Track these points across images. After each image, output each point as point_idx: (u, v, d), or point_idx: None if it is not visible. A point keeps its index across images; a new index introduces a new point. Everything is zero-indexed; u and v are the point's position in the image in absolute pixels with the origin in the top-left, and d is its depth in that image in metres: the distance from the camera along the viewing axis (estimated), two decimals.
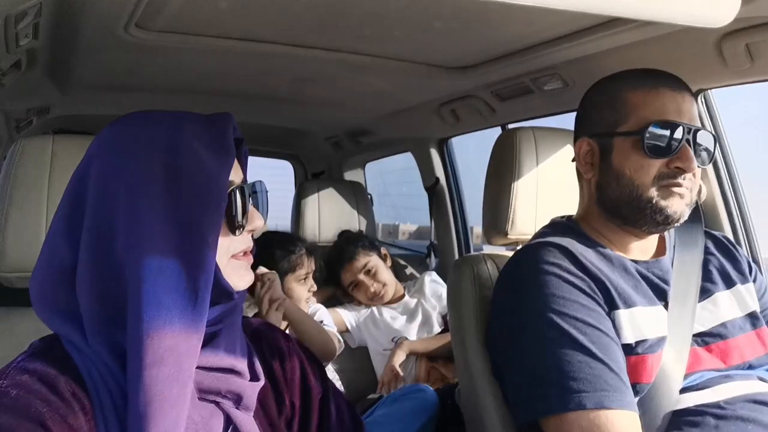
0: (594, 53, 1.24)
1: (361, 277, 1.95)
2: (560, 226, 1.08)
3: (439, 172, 2.26)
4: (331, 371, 1.85)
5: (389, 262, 2.06)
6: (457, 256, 2.25)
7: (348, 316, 1.94)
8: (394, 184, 3.28)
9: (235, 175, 0.70)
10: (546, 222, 1.13)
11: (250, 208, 0.71)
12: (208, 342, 0.66)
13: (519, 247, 1.09)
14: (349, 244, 2.03)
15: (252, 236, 0.73)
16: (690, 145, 0.95)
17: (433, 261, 2.37)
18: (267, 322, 0.86)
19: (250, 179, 0.75)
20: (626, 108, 0.98)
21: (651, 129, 0.94)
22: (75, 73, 1.50)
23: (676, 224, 0.98)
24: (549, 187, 1.20)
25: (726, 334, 0.98)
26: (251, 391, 0.71)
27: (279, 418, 0.76)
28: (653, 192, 0.95)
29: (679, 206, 0.96)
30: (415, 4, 1.07)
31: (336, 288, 2.04)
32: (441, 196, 2.28)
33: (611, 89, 1.01)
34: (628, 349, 0.92)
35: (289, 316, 1.52)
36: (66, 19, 1.10)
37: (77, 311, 0.64)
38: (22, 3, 0.93)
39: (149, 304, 0.61)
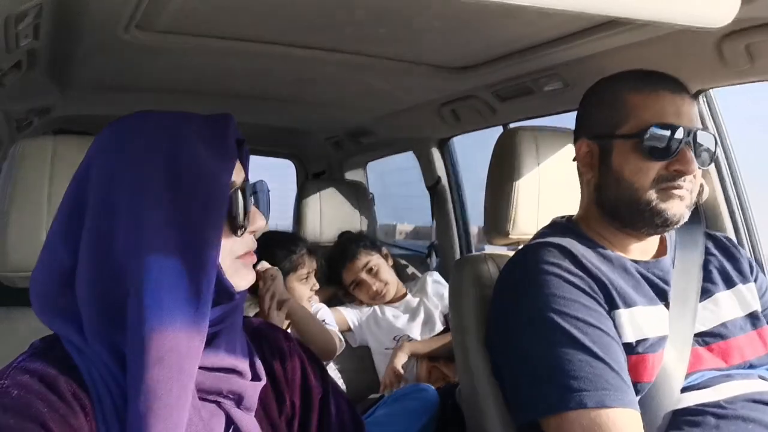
0: (594, 53, 1.24)
1: (363, 276, 1.95)
2: (560, 226, 1.08)
3: (441, 171, 2.27)
4: (332, 370, 1.86)
5: (390, 262, 2.07)
6: (458, 256, 2.25)
7: (350, 314, 1.95)
8: (392, 185, 3.29)
9: (237, 176, 0.70)
10: (547, 222, 1.13)
11: (252, 208, 0.71)
12: (209, 342, 0.66)
13: (520, 247, 1.09)
14: (350, 243, 2.03)
15: (254, 236, 0.73)
16: (690, 147, 0.95)
17: (434, 261, 2.37)
18: (267, 322, 0.86)
19: (251, 179, 0.75)
20: (626, 110, 0.97)
21: (650, 131, 0.94)
22: (75, 74, 1.50)
23: (675, 226, 0.98)
24: (550, 187, 1.20)
25: (727, 334, 0.98)
26: (252, 391, 0.71)
27: (279, 418, 0.76)
28: (652, 194, 0.95)
29: (678, 208, 0.96)
30: (416, 5, 1.07)
31: (337, 288, 2.04)
32: (442, 196, 2.28)
33: (611, 91, 1.01)
34: (629, 349, 0.92)
35: (292, 314, 1.53)
36: (66, 19, 1.10)
37: (77, 312, 0.64)
38: (22, 3, 0.94)
39: (150, 305, 0.61)
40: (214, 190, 0.66)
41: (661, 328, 0.95)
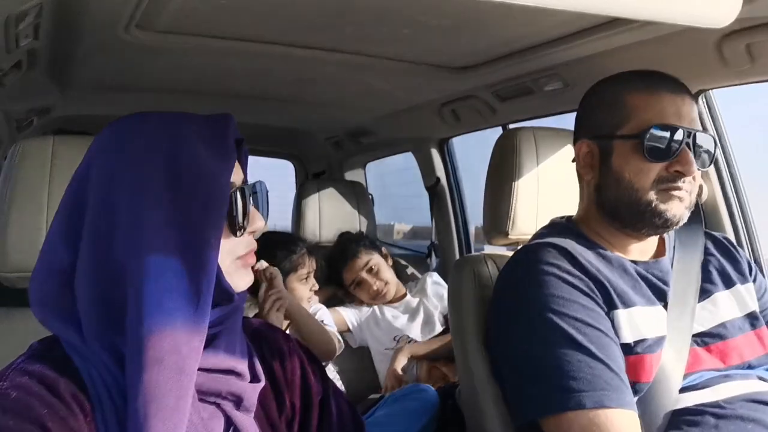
0: (594, 53, 1.24)
1: (364, 275, 1.95)
2: (559, 226, 1.08)
3: (440, 172, 2.27)
4: (331, 371, 1.86)
5: (390, 262, 2.07)
6: (457, 256, 2.26)
7: (349, 315, 1.95)
8: (390, 185, 3.29)
9: (236, 176, 0.70)
10: (546, 222, 1.13)
11: (251, 208, 0.71)
12: (209, 343, 0.66)
13: (519, 248, 1.09)
14: (351, 242, 2.04)
15: (254, 236, 0.73)
16: (690, 148, 0.95)
17: (433, 261, 2.37)
18: (267, 323, 0.86)
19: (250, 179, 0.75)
20: (626, 111, 0.97)
21: (651, 132, 0.94)
22: (75, 74, 1.50)
23: (675, 227, 0.98)
24: (549, 187, 1.20)
25: (725, 335, 0.99)
26: (251, 392, 0.71)
27: (279, 419, 0.76)
28: (652, 195, 0.95)
29: (678, 209, 0.96)
30: (416, 5, 1.07)
31: (337, 288, 2.04)
32: (442, 196, 2.28)
33: (611, 92, 1.01)
34: (627, 349, 0.92)
35: (291, 314, 1.53)
36: (67, 19, 1.10)
37: (76, 313, 0.64)
38: (22, 3, 0.94)
39: (150, 306, 0.61)
40: (213, 190, 0.66)
41: (660, 328, 0.95)
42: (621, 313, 0.94)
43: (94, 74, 1.52)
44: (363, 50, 1.36)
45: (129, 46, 1.24)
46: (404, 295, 2.00)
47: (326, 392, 0.82)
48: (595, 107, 1.04)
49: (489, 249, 1.44)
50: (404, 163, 2.42)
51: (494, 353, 1.03)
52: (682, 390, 0.92)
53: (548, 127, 1.27)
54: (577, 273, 0.95)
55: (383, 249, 2.09)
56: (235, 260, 0.69)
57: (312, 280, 1.78)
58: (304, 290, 1.75)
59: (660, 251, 1.06)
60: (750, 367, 0.98)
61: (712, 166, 1.29)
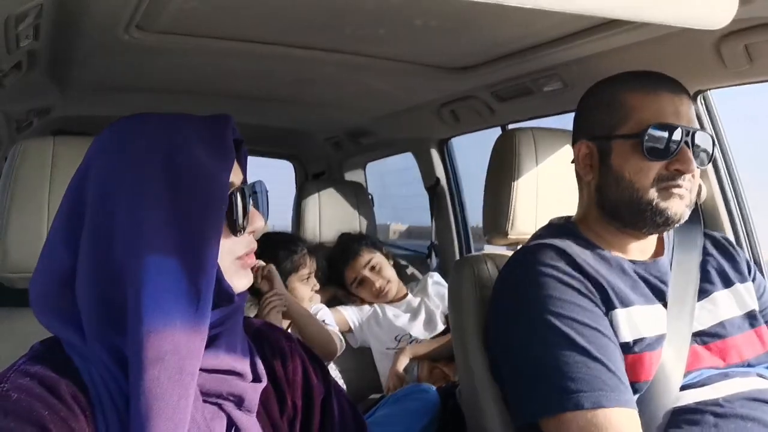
0: (593, 54, 1.24)
1: (366, 273, 1.95)
2: (557, 227, 1.08)
3: (440, 172, 2.27)
4: (332, 371, 1.86)
5: (391, 261, 2.07)
6: (457, 257, 2.26)
7: (351, 315, 1.95)
8: (388, 185, 3.30)
9: (235, 176, 0.70)
10: (545, 222, 1.13)
11: (251, 209, 0.71)
12: (210, 344, 0.66)
13: (519, 247, 1.10)
14: (353, 241, 2.04)
15: (253, 236, 0.74)
16: (689, 147, 0.95)
17: (434, 261, 2.37)
18: (268, 323, 0.86)
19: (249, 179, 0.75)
20: (624, 111, 0.98)
21: (650, 131, 0.95)
22: (75, 75, 1.50)
23: (676, 225, 0.99)
24: (549, 187, 1.20)
25: (725, 334, 0.99)
26: (253, 392, 0.71)
27: (281, 419, 0.76)
28: (653, 194, 0.96)
29: (679, 207, 0.97)
30: (415, 6, 1.08)
31: (337, 288, 2.04)
32: (441, 197, 2.28)
33: (609, 92, 1.02)
34: (626, 348, 0.92)
35: (291, 314, 1.53)
36: (67, 20, 1.10)
37: (77, 314, 0.64)
38: (22, 4, 0.94)
39: (149, 306, 0.61)
40: (212, 190, 0.66)
41: (659, 327, 0.95)
42: (619, 313, 0.94)
43: (94, 75, 1.53)
44: (362, 51, 1.36)
45: (129, 47, 1.24)
46: (405, 295, 2.01)
47: (328, 392, 0.82)
48: (594, 108, 1.04)
49: (488, 249, 1.45)
50: (402, 163, 2.43)
51: (493, 353, 1.04)
52: (682, 388, 0.92)
53: (547, 128, 1.28)
54: (576, 274, 0.95)
55: (384, 249, 2.09)
56: (234, 260, 0.69)
57: (313, 280, 1.79)
58: (306, 290, 1.75)
59: (659, 251, 1.06)
60: (749, 365, 0.98)
61: (711, 166, 1.30)
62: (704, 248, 1.08)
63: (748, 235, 1.34)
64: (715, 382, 0.93)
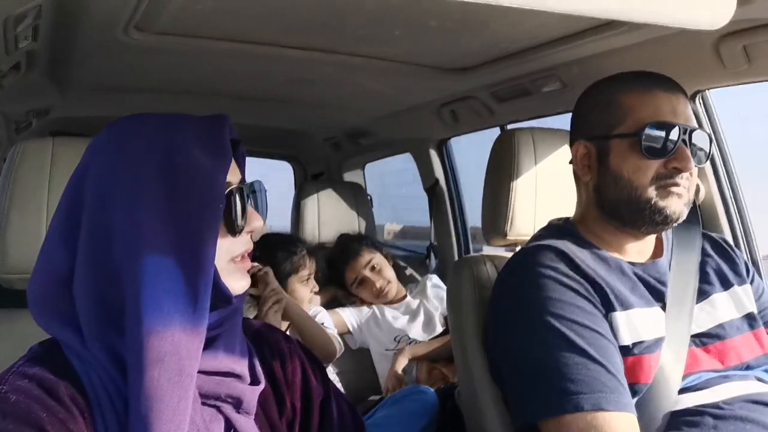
0: (592, 55, 1.24)
1: (366, 273, 1.95)
2: (557, 228, 1.08)
3: (439, 173, 2.27)
4: (331, 373, 1.86)
5: (390, 262, 2.07)
6: (456, 257, 2.26)
7: (349, 316, 1.95)
8: (385, 186, 3.31)
9: (233, 176, 0.70)
10: (544, 223, 1.13)
11: (249, 208, 0.71)
12: (208, 346, 0.66)
13: (518, 248, 1.10)
14: (353, 242, 2.04)
15: (251, 237, 0.73)
16: (686, 145, 0.95)
17: (432, 262, 2.37)
18: (268, 324, 0.86)
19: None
20: (622, 110, 0.98)
21: (647, 130, 0.95)
22: (74, 75, 1.50)
23: (674, 224, 0.99)
24: (548, 188, 1.20)
25: (723, 335, 0.99)
26: (251, 394, 0.71)
27: (280, 421, 0.76)
28: (652, 192, 0.96)
29: (677, 206, 0.97)
30: (414, 6, 1.08)
31: (337, 289, 2.04)
32: (440, 197, 2.28)
33: (606, 92, 1.02)
34: (625, 351, 0.92)
35: (290, 316, 1.53)
36: (65, 21, 1.10)
37: (75, 315, 0.64)
38: (21, 5, 0.94)
39: (148, 307, 0.61)
40: (209, 189, 0.66)
41: (658, 329, 0.95)
42: (619, 316, 0.94)
43: (93, 76, 1.53)
44: (361, 51, 1.36)
45: (128, 48, 1.24)
46: (404, 297, 2.01)
47: (327, 393, 0.82)
48: (591, 109, 1.04)
49: (487, 250, 1.45)
50: (397, 164, 2.43)
51: (493, 354, 1.04)
52: (681, 391, 0.92)
53: (546, 128, 1.28)
54: (575, 276, 0.95)
55: (383, 249, 2.09)
56: (232, 261, 0.69)
57: (312, 282, 1.79)
58: (305, 291, 1.75)
59: (657, 252, 1.06)
60: (748, 367, 0.98)
61: (709, 166, 1.30)
62: (703, 249, 1.08)
63: (746, 235, 1.34)
64: (714, 384, 0.93)
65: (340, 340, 1.75)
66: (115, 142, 0.67)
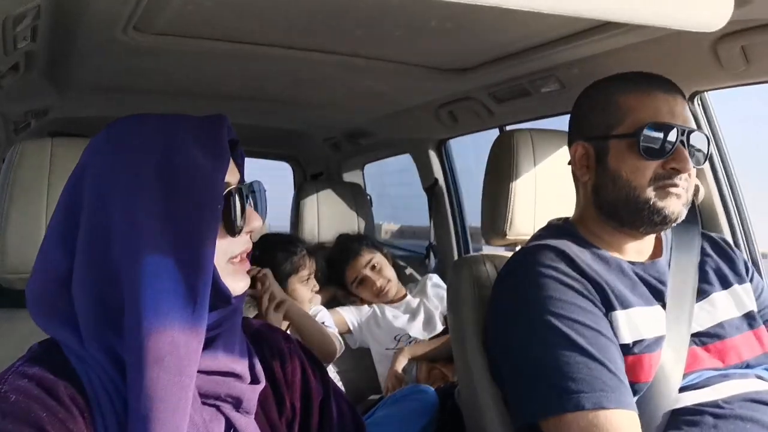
0: (591, 55, 1.24)
1: (367, 272, 1.95)
2: (556, 228, 1.09)
3: (438, 173, 2.27)
4: (331, 372, 1.86)
5: (390, 262, 2.07)
6: (456, 257, 2.26)
7: (350, 315, 1.95)
8: (383, 186, 3.32)
9: (231, 176, 0.70)
10: (544, 223, 1.13)
11: (248, 208, 0.71)
12: (207, 345, 0.66)
13: (518, 248, 1.10)
14: (353, 241, 2.05)
15: (251, 237, 0.73)
16: (684, 146, 0.96)
17: (432, 262, 2.37)
18: (268, 324, 0.86)
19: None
20: (620, 111, 0.98)
21: (646, 131, 0.95)
22: (73, 76, 1.50)
23: (673, 224, 0.99)
24: (547, 188, 1.21)
25: (723, 334, 0.99)
26: (251, 394, 0.71)
27: (280, 420, 0.76)
28: (650, 193, 0.96)
29: (676, 206, 0.97)
30: (413, 7, 1.08)
31: (336, 289, 2.04)
32: (440, 198, 2.28)
33: (604, 93, 1.02)
34: (626, 349, 0.92)
35: (290, 315, 1.53)
36: (64, 21, 1.10)
37: (74, 315, 0.64)
38: (20, 5, 0.94)
39: (147, 308, 0.61)
40: (207, 190, 0.66)
41: (658, 328, 0.95)
42: (619, 315, 0.94)
43: (92, 76, 1.53)
44: (360, 52, 1.36)
45: (127, 48, 1.24)
46: (404, 296, 2.01)
47: (327, 393, 0.82)
48: (589, 109, 1.04)
49: (486, 250, 1.45)
50: (400, 164, 2.43)
51: (493, 354, 1.04)
52: (681, 389, 0.92)
53: (545, 129, 1.28)
54: (575, 275, 0.95)
55: (383, 249, 2.10)
56: (231, 261, 0.69)
57: (313, 281, 1.79)
58: (306, 291, 1.75)
59: (657, 252, 1.06)
60: (748, 366, 0.98)
61: (708, 166, 1.30)
62: (702, 249, 1.08)
63: (745, 235, 1.34)
64: (714, 383, 0.93)
65: (340, 339, 1.75)
66: (113, 143, 0.67)
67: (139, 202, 0.63)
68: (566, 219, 1.11)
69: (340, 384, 1.85)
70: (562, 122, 1.42)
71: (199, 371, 0.64)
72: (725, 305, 1.03)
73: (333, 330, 1.75)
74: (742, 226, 1.35)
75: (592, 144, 1.02)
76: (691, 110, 1.23)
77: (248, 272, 0.73)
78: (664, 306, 0.98)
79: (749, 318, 1.03)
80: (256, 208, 0.73)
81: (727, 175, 1.35)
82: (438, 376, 1.79)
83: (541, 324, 0.91)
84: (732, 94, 1.27)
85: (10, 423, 0.57)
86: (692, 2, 0.77)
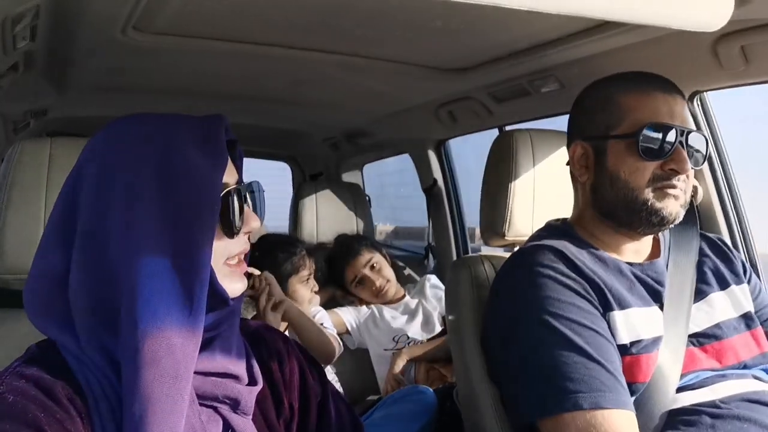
0: (590, 55, 1.24)
1: (366, 272, 1.96)
2: (555, 228, 1.09)
3: (437, 173, 2.27)
4: (329, 373, 1.86)
5: (389, 262, 2.07)
6: (454, 258, 2.26)
7: (348, 316, 1.95)
8: (385, 186, 3.32)
9: (230, 177, 0.70)
10: (542, 223, 1.13)
11: (246, 209, 0.71)
12: (205, 347, 0.66)
13: (516, 249, 1.10)
14: (352, 241, 2.05)
15: (249, 238, 0.73)
16: (683, 147, 0.96)
17: (431, 262, 2.37)
18: (266, 324, 0.86)
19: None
20: (619, 111, 0.98)
21: (645, 132, 0.95)
22: (72, 76, 1.50)
23: (671, 225, 0.99)
24: (546, 189, 1.21)
25: (721, 335, 0.99)
26: (249, 395, 0.71)
27: (278, 421, 0.76)
28: (648, 194, 0.96)
29: (674, 207, 0.97)
30: (413, 7, 1.08)
31: (335, 289, 2.04)
32: (439, 198, 2.28)
33: (603, 93, 1.02)
34: (623, 350, 0.93)
35: (289, 318, 1.52)
36: (63, 21, 1.10)
37: (71, 316, 0.64)
38: (19, 5, 0.94)
39: (144, 309, 0.60)
40: (205, 190, 0.66)
41: (656, 329, 0.96)
42: (617, 315, 0.94)
43: (91, 76, 1.52)
44: (360, 52, 1.36)
45: (126, 48, 1.24)
46: (403, 297, 2.01)
47: (325, 394, 0.82)
48: (588, 109, 1.04)
49: (485, 250, 1.45)
50: (399, 165, 2.43)
51: (491, 354, 1.04)
52: (679, 390, 0.93)
53: (544, 129, 1.28)
54: (573, 275, 0.95)
55: (382, 249, 2.10)
56: (228, 263, 0.69)
57: (312, 282, 1.79)
58: (306, 291, 1.75)
59: (655, 252, 1.06)
60: (746, 366, 0.98)
61: (707, 167, 1.30)
62: (700, 250, 1.08)
63: (743, 236, 1.35)
64: (712, 383, 0.94)
65: (339, 340, 1.75)
66: (112, 142, 0.67)
67: (137, 202, 0.63)
68: (564, 220, 1.11)
69: (338, 385, 1.85)
70: (561, 122, 1.43)
71: (196, 372, 0.64)
72: (723, 306, 1.03)
73: (332, 331, 1.75)
74: (741, 227, 1.35)
75: (591, 144, 1.02)
76: (690, 110, 1.23)
77: (249, 278, 0.72)
78: (661, 306, 0.98)
79: (747, 318, 1.03)
80: (254, 209, 0.73)
81: (726, 176, 1.35)
82: (436, 376, 1.79)
83: (539, 324, 0.91)
84: (732, 94, 1.27)
85: (7, 423, 0.57)
86: (692, 2, 0.77)
